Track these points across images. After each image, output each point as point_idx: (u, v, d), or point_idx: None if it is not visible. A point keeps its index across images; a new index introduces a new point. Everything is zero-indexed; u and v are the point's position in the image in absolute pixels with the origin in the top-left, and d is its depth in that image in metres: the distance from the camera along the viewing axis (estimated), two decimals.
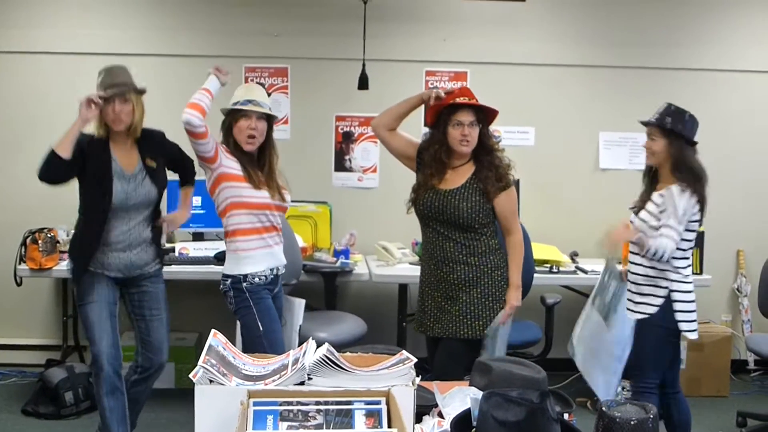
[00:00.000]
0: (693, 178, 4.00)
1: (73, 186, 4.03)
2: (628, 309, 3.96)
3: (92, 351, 4.02)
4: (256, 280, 3.94)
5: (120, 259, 4.00)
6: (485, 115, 3.96)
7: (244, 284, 3.92)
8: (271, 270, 4.00)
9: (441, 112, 3.97)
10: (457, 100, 3.94)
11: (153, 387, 4.32)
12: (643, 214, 4.02)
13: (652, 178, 4.13)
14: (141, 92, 4.03)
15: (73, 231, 4.23)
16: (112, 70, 4.02)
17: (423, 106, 4.19)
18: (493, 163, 3.95)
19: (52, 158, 3.77)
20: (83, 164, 3.87)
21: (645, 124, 4.09)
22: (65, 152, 3.76)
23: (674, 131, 4.03)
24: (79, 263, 4.01)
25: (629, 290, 4.02)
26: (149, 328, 4.19)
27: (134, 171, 3.99)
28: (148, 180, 4.01)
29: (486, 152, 3.96)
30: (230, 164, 3.90)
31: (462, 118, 3.89)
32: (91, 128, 3.95)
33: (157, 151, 4.12)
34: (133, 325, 4.25)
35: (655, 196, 4.01)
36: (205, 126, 3.79)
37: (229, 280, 3.96)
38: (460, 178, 3.96)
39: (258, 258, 3.95)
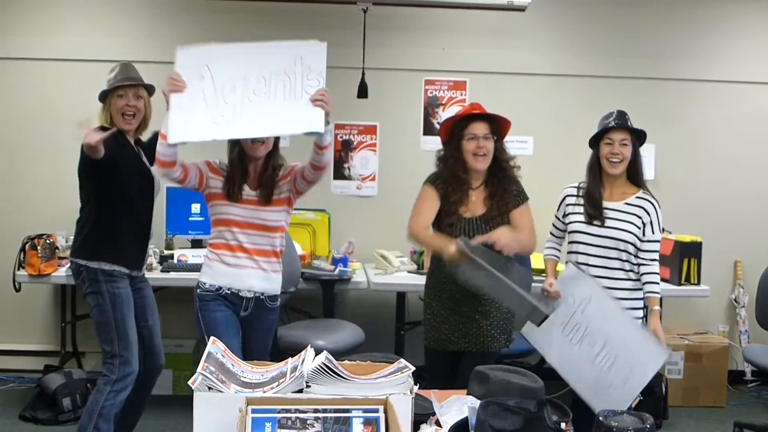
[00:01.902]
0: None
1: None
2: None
3: (119, 353, 3.98)
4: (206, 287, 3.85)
5: (137, 253, 4.10)
6: (498, 129, 3.92)
7: (197, 290, 3.87)
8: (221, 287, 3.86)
9: (454, 127, 3.92)
10: (473, 112, 3.91)
11: (151, 394, 4.33)
12: (627, 226, 3.96)
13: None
14: (151, 91, 4.10)
15: (79, 233, 4.09)
16: (126, 66, 4.10)
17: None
18: (509, 177, 3.92)
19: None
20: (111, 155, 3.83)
21: (625, 128, 3.97)
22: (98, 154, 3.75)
23: (640, 135, 4.02)
24: (117, 260, 4.00)
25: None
26: (152, 333, 4.22)
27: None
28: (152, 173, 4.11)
29: (500, 167, 3.92)
30: (214, 184, 3.85)
31: (476, 130, 3.85)
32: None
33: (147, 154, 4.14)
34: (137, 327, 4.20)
35: (631, 208, 3.97)
36: (180, 168, 3.71)
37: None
38: (483, 201, 3.91)
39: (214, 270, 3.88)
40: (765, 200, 6.19)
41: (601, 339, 3.83)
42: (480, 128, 3.85)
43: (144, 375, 4.17)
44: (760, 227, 6.15)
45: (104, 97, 4.04)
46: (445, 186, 3.91)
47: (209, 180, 3.83)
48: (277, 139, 3.95)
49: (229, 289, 3.79)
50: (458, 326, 3.92)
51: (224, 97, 3.57)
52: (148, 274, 5.05)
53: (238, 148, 3.84)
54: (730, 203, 6.09)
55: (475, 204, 3.91)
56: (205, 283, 3.82)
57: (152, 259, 5.16)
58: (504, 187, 3.91)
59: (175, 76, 3.60)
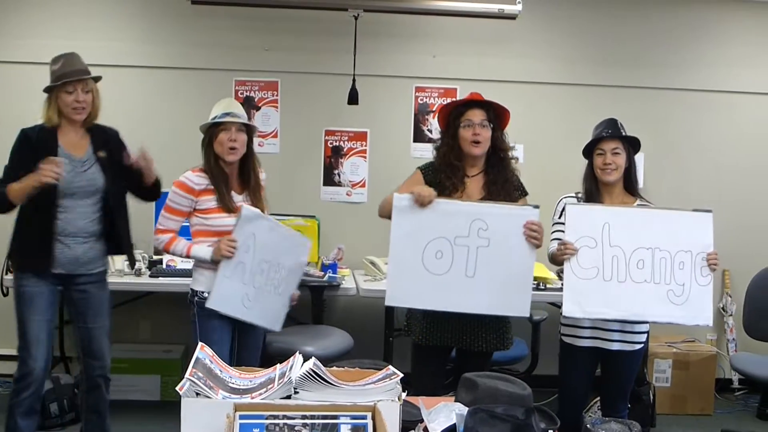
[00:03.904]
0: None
1: None
2: (626, 341, 3.84)
3: (18, 352, 3.96)
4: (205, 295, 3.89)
5: (63, 252, 3.93)
6: (497, 118, 3.91)
7: (195, 298, 3.91)
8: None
9: (450, 114, 3.90)
10: (470, 98, 3.90)
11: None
12: None
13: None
14: (98, 80, 4.03)
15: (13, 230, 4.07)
16: (70, 56, 3.99)
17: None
18: (508, 168, 3.90)
19: (4, 201, 3.82)
20: (35, 158, 3.79)
21: (617, 137, 3.90)
22: (19, 202, 3.82)
23: (633, 144, 3.95)
24: (23, 260, 3.97)
25: (625, 322, 3.80)
26: (91, 336, 4.10)
27: (83, 157, 3.98)
28: (97, 167, 3.98)
29: (499, 158, 3.89)
30: (204, 200, 3.90)
31: (472, 116, 3.83)
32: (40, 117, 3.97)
33: (110, 146, 4.07)
34: (73, 330, 4.17)
35: None
36: (170, 234, 3.93)
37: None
38: (482, 189, 3.88)
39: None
40: (753, 209, 6.22)
41: (644, 251, 3.66)
42: (476, 115, 3.84)
43: (87, 381, 4.14)
44: (748, 236, 6.17)
45: (49, 90, 3.95)
46: (437, 174, 3.88)
47: (196, 203, 3.89)
48: (250, 142, 4.01)
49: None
50: (449, 325, 3.85)
51: (254, 279, 3.88)
52: (137, 279, 5.08)
53: (213, 154, 3.92)
54: (718, 212, 6.00)
55: (472, 190, 3.87)
56: (203, 292, 3.85)
57: (141, 264, 5.15)
58: (505, 176, 3.89)
59: (233, 244, 3.79)
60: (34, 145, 3.87)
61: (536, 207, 3.72)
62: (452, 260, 3.64)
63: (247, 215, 3.85)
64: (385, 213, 3.83)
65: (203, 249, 3.84)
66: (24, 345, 3.94)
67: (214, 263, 3.81)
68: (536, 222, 3.68)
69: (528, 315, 3.74)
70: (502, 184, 3.87)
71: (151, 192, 4.20)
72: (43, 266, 3.93)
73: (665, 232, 3.68)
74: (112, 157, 4.04)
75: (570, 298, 3.67)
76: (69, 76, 3.90)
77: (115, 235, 4.10)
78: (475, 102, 3.91)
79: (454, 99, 5.93)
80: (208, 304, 3.78)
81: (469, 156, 3.85)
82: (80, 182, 3.92)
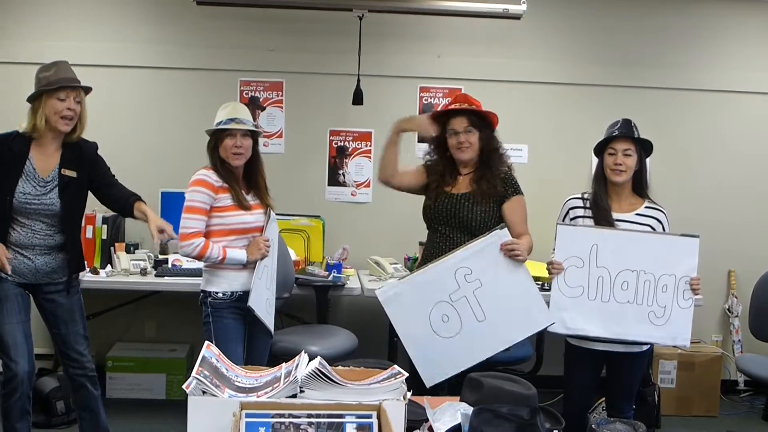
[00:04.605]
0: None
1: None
2: (634, 341, 3.83)
3: (8, 368, 3.86)
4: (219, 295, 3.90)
5: (24, 263, 3.88)
6: (486, 119, 3.94)
7: (209, 299, 3.90)
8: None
9: (438, 120, 3.98)
10: (451, 106, 3.94)
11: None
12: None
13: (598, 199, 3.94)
14: (88, 91, 3.97)
15: None
16: (63, 64, 3.92)
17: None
18: (496, 165, 3.93)
19: None
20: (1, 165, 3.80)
21: (629, 138, 3.89)
22: None
23: (645, 147, 3.95)
24: None
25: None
26: (66, 341, 4.05)
27: (47, 177, 3.88)
28: (56, 192, 3.88)
29: (488, 156, 3.94)
30: (221, 198, 3.88)
31: (455, 125, 3.91)
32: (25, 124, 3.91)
33: (81, 163, 3.99)
34: (49, 333, 4.13)
35: (644, 218, 3.90)
36: (202, 237, 3.84)
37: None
38: (470, 183, 3.95)
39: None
40: (758, 209, 6.21)
41: (629, 273, 3.73)
42: (459, 123, 3.90)
43: (71, 381, 4.12)
44: (754, 237, 6.17)
45: (37, 96, 3.86)
46: (433, 170, 4.03)
47: (215, 201, 3.86)
48: (255, 144, 4.01)
49: (242, 292, 3.86)
50: None
51: (272, 284, 4.05)
52: (142, 279, 5.09)
53: (218, 157, 3.92)
54: (724, 212, 6.11)
55: (461, 184, 3.97)
56: (217, 293, 3.86)
57: (146, 264, 5.16)
58: (492, 171, 3.92)
59: (269, 243, 3.91)
60: (4, 154, 3.82)
61: (502, 227, 3.70)
62: (459, 316, 3.63)
63: (274, 216, 3.91)
64: (384, 175, 4.09)
65: (238, 252, 3.84)
66: (3, 350, 3.86)
67: (249, 264, 3.84)
68: (509, 241, 3.65)
69: (554, 321, 3.73)
70: (489, 179, 3.91)
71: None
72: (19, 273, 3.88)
73: (651, 256, 3.74)
74: (79, 176, 3.97)
75: (554, 314, 3.75)
76: (64, 83, 3.82)
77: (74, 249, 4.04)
78: (456, 111, 3.95)
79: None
80: (251, 303, 3.79)
81: (457, 160, 3.96)
82: (37, 205, 3.85)
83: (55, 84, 3.81)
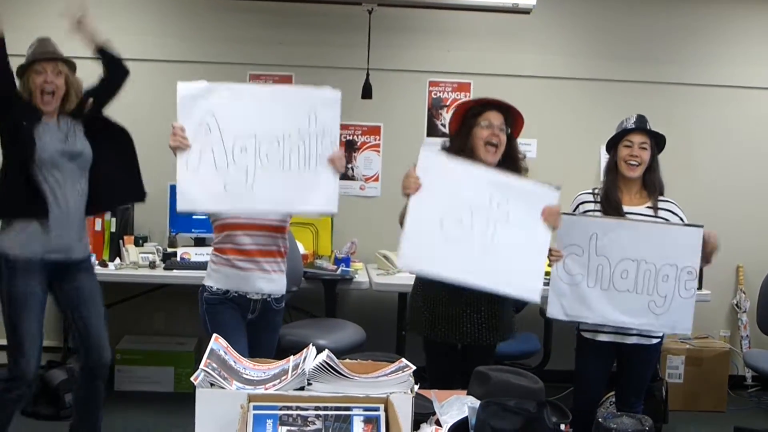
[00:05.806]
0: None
1: None
2: (643, 334, 3.84)
3: (16, 362, 3.81)
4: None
5: (55, 238, 3.80)
6: (512, 126, 3.83)
7: (204, 294, 3.79)
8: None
9: (466, 114, 3.78)
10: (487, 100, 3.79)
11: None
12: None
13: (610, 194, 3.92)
14: (73, 66, 3.91)
15: None
16: (43, 40, 3.88)
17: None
18: (521, 172, 3.77)
19: None
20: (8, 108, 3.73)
21: (645, 131, 3.89)
22: None
23: (659, 141, 3.94)
24: (10, 241, 3.77)
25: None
26: (87, 326, 3.97)
27: (63, 126, 3.86)
28: (83, 136, 3.87)
29: (513, 164, 3.77)
30: None
31: (492, 118, 3.72)
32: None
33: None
34: (69, 324, 4.05)
35: (655, 211, 3.88)
36: None
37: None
38: None
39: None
40: (766, 204, 6.20)
41: (629, 263, 3.72)
42: (496, 117, 3.74)
43: (87, 371, 4.03)
44: (762, 232, 6.16)
45: (22, 73, 3.81)
46: None
47: None
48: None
49: (236, 292, 3.72)
50: (449, 320, 3.79)
51: (235, 159, 3.43)
52: (151, 272, 5.11)
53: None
54: (732, 208, 6.09)
55: None
56: (212, 287, 3.74)
57: (155, 257, 5.18)
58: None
59: (178, 131, 3.40)
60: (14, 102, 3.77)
61: (558, 188, 3.62)
62: (472, 230, 3.53)
63: (185, 94, 3.39)
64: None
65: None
66: (17, 347, 3.80)
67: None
68: (555, 207, 3.59)
69: (539, 301, 3.66)
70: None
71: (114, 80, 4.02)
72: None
73: (653, 246, 3.72)
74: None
75: (554, 301, 3.78)
76: (38, 56, 3.78)
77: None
78: (494, 104, 3.80)
79: (467, 94, 5.94)
80: (178, 209, 3.46)
81: (483, 162, 3.69)
82: (69, 149, 3.84)
83: (30, 58, 3.80)
